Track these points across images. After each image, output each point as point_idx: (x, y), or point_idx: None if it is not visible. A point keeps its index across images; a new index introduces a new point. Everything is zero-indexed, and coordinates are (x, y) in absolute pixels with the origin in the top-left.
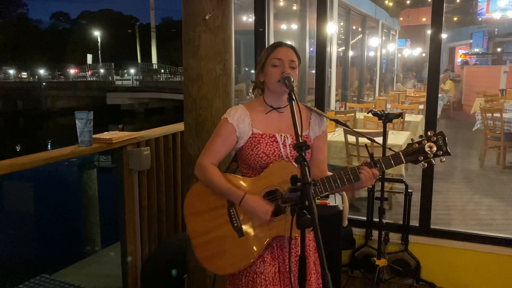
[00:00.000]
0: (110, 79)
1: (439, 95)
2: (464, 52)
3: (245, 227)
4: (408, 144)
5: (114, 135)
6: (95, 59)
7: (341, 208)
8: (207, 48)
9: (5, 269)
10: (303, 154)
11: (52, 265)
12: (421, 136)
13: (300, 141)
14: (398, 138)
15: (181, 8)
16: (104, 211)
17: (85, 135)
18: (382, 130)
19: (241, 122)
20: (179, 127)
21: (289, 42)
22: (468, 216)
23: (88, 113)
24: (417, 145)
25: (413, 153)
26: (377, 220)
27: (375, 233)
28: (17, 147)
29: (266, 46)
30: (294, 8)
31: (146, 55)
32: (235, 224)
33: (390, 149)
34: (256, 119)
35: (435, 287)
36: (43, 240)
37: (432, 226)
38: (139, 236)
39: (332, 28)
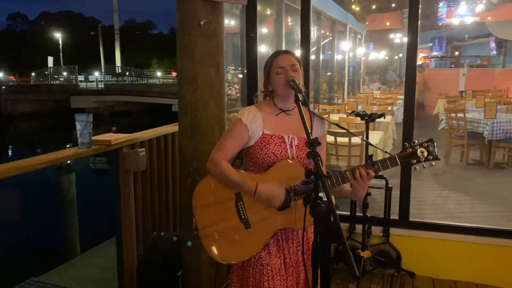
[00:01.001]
0: (74, 82)
1: (402, 97)
2: (424, 55)
3: (252, 220)
4: (403, 148)
5: (112, 137)
6: (56, 62)
7: None
8: (202, 52)
9: None
10: (315, 149)
11: (36, 268)
12: (413, 142)
13: (311, 138)
14: (372, 138)
15: (176, 12)
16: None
17: (85, 137)
18: (357, 131)
19: (254, 123)
20: (170, 128)
21: (264, 46)
22: (438, 210)
23: (88, 115)
24: (410, 149)
25: (407, 156)
26: (360, 214)
27: (358, 227)
28: None
29: (273, 52)
30: (268, 12)
31: (110, 58)
32: (242, 217)
33: (386, 152)
34: (267, 120)
35: (415, 275)
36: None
37: (411, 219)
38: (135, 235)
39: (312, 33)
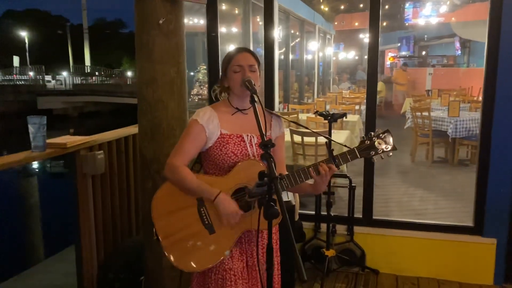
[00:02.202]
0: (41, 83)
1: None
2: (393, 55)
3: (216, 224)
4: (361, 141)
5: (68, 140)
6: (22, 61)
7: (294, 203)
8: (161, 51)
9: None
10: (269, 151)
11: None
12: (371, 134)
13: (265, 139)
14: (339, 137)
15: (134, 12)
16: (51, 218)
17: (38, 140)
18: (324, 130)
19: (210, 123)
20: (131, 130)
21: (233, 46)
22: (404, 207)
23: (41, 117)
24: (368, 142)
25: (366, 148)
26: (325, 213)
27: (323, 226)
28: None
29: (233, 49)
30: (236, 12)
31: (79, 57)
32: (206, 222)
33: (346, 146)
34: (224, 120)
35: (379, 273)
36: None
37: (374, 217)
38: (95, 242)
39: (276, 33)
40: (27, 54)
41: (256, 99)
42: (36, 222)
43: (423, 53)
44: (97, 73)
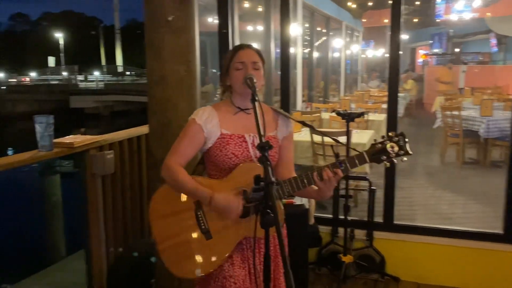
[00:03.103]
0: (74, 82)
1: (402, 94)
2: (424, 52)
3: (213, 230)
4: (372, 144)
5: (76, 139)
6: (57, 62)
7: (307, 207)
8: (170, 49)
9: None
10: (266, 154)
11: (14, 275)
12: (383, 137)
13: (263, 141)
14: (362, 137)
15: (143, 9)
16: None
17: (45, 140)
18: (341, 130)
19: (209, 122)
20: (144, 129)
21: (254, 44)
22: (430, 211)
23: (48, 117)
24: (380, 145)
25: (376, 153)
26: (343, 217)
27: (341, 230)
28: None
29: (230, 48)
30: (260, 9)
31: (111, 57)
32: (203, 227)
33: (354, 149)
34: (225, 120)
35: (400, 280)
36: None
37: (395, 222)
38: (105, 242)
39: (296, 29)
40: (62, 54)
41: (256, 97)
42: (58, 220)
43: (457, 50)
44: (128, 72)
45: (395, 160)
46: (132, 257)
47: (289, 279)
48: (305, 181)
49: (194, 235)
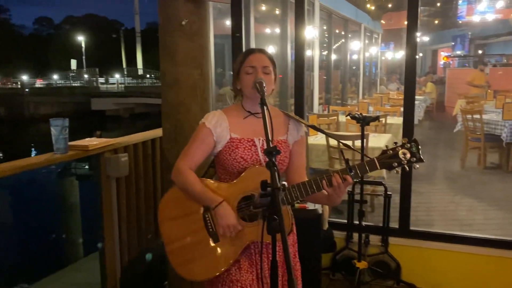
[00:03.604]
0: (95, 85)
1: (421, 97)
2: (446, 54)
3: (220, 233)
4: (383, 150)
5: (91, 142)
6: (79, 65)
7: (320, 212)
8: (184, 53)
9: None
10: (273, 159)
11: (31, 275)
12: (395, 143)
13: (271, 146)
14: (379, 141)
15: (158, 14)
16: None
17: (60, 143)
18: (357, 134)
19: (218, 126)
20: (158, 132)
21: (270, 47)
22: (448, 217)
23: (64, 120)
24: (391, 151)
25: (387, 159)
26: (357, 222)
27: (356, 236)
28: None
29: (246, 49)
30: (277, 12)
31: (132, 60)
32: (210, 230)
33: (366, 155)
34: (234, 124)
35: None
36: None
37: (411, 228)
38: (118, 244)
39: (312, 32)
40: (84, 57)
41: (264, 102)
42: (76, 221)
43: (480, 52)
44: (148, 75)
45: (407, 167)
46: (145, 259)
47: (293, 286)
48: (314, 186)
49: (202, 237)
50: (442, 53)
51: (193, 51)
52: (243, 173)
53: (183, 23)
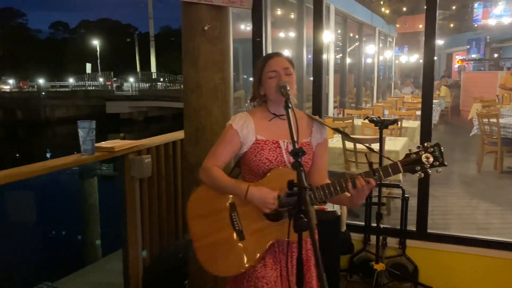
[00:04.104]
0: (110, 88)
1: (436, 101)
2: (461, 58)
3: (246, 231)
4: (406, 154)
5: (116, 144)
6: (94, 68)
7: (339, 214)
8: (206, 58)
9: (7, 277)
10: (299, 159)
11: (53, 273)
12: (418, 147)
13: (297, 147)
14: (395, 144)
15: (181, 19)
16: (106, 219)
17: (87, 144)
18: (374, 137)
19: (245, 128)
20: (179, 135)
21: (286, 51)
22: (465, 221)
23: (91, 122)
24: (414, 155)
25: (410, 163)
26: (375, 225)
27: (373, 238)
28: (16, 156)
29: (264, 55)
30: (292, 16)
31: (146, 64)
32: (237, 228)
33: (388, 158)
34: (260, 126)
35: None
36: (44, 248)
37: (429, 231)
38: (141, 244)
39: (328, 36)
40: (98, 61)
41: (289, 104)
42: (95, 221)
43: (495, 55)
44: (161, 79)
45: (429, 171)
46: (167, 257)
47: (323, 281)
48: (338, 188)
49: (228, 235)
50: (457, 56)
51: (215, 55)
52: (268, 173)
53: (206, 28)
